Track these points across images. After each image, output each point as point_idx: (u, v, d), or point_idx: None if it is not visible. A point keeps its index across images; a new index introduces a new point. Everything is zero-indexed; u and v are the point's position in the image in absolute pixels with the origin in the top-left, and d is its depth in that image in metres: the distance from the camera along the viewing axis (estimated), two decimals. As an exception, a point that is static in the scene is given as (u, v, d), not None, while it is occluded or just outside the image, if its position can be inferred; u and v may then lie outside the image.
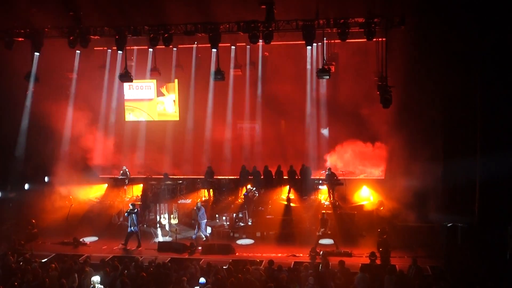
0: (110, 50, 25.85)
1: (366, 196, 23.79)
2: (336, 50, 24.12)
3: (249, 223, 22.47)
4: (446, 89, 20.23)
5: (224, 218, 22.65)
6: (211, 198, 24.38)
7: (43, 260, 18.29)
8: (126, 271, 15.83)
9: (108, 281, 15.02)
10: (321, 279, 15.03)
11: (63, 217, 22.29)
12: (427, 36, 20.43)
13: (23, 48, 21.76)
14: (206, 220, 21.56)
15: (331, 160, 24.59)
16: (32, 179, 25.32)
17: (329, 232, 19.93)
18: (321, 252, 18.87)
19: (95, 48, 25.44)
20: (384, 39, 20.10)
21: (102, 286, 14.35)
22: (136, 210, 20.89)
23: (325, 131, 25.84)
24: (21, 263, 17.41)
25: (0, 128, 23.68)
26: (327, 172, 23.31)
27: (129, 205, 21.25)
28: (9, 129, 24.24)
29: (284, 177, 24.44)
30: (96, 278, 14.38)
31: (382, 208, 22.19)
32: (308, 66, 24.97)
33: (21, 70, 22.04)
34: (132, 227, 20.84)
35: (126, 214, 21.11)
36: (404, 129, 21.82)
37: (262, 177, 24.56)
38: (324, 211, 21.20)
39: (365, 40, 19.85)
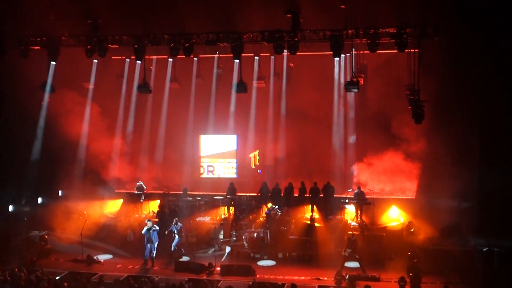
0: (128, 60, 26.08)
1: (395, 217, 23.50)
2: (365, 61, 23.99)
3: (271, 243, 22.32)
4: (483, 104, 19.97)
5: (244, 237, 22.55)
6: (231, 216, 24.32)
7: (57, 278, 18.36)
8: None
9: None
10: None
11: (76, 233, 22.36)
12: (462, 47, 20.22)
13: (39, 57, 22.07)
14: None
15: (359, 177, 24.38)
16: (46, 193, 25.55)
17: (357, 256, 19.68)
18: (347, 276, 18.60)
19: (113, 57, 25.70)
20: (416, 50, 19.95)
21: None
22: (155, 227, 20.97)
23: (352, 138, 25.60)
24: (32, 280, 17.48)
25: (14, 140, 23.95)
26: (356, 191, 23.10)
27: (146, 221, 21.30)
28: (23, 141, 24.54)
29: (306, 195, 24.26)
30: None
31: (412, 230, 21.85)
32: (336, 78, 24.85)
33: (36, 79, 22.35)
34: (149, 244, 20.89)
35: (144, 232, 21.12)
36: (437, 145, 21.54)
37: (282, 194, 24.41)
38: (351, 232, 21.01)
39: (396, 51, 19.73)
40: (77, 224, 23.01)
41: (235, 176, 26.92)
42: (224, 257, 21.75)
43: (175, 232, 21.48)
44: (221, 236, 23.01)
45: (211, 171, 27.47)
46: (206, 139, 27.54)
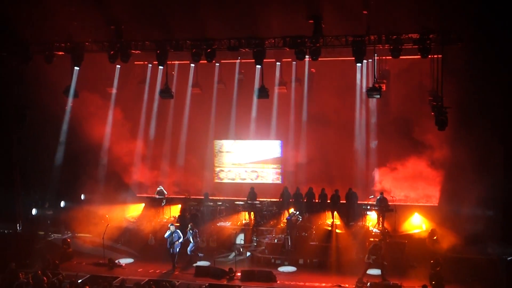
0: (150, 65, 26.28)
1: (418, 224, 23.32)
2: (388, 67, 23.87)
3: (291, 249, 22.25)
4: (506, 110, 19.74)
5: (264, 242, 22.53)
6: (252, 221, 24.32)
7: (79, 281, 18.53)
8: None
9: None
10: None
11: (98, 236, 22.56)
12: (485, 54, 20.01)
13: (62, 62, 22.34)
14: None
15: (380, 183, 24.23)
16: (68, 197, 25.82)
17: (385, 263, 19.52)
18: (368, 284, 18.51)
19: (135, 63, 25.92)
20: (439, 56, 19.79)
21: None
22: (177, 232, 21.11)
23: (374, 144, 25.45)
24: (54, 283, 17.67)
25: (38, 144, 24.26)
26: (378, 197, 22.96)
27: (169, 226, 21.43)
28: (47, 145, 24.84)
29: (328, 201, 24.17)
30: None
31: (435, 237, 21.62)
32: (357, 84, 24.77)
33: (60, 84, 22.62)
34: (171, 249, 21.03)
35: (166, 235, 21.24)
36: (460, 152, 21.33)
37: (304, 200, 24.37)
38: (373, 238, 20.89)
39: (419, 57, 19.60)
40: (99, 227, 23.17)
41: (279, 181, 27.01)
42: (240, 258, 21.79)
43: (190, 237, 21.54)
44: (242, 241, 22.99)
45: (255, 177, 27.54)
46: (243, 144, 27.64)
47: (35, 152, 24.32)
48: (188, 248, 21.60)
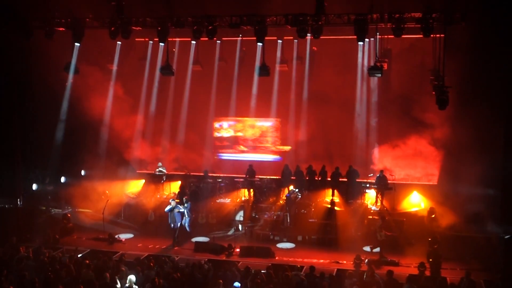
0: (151, 42, 26.20)
1: (416, 203, 23.44)
2: (389, 45, 23.78)
3: (290, 226, 22.40)
4: (508, 90, 19.69)
5: (263, 219, 22.68)
6: (251, 198, 24.46)
7: (79, 255, 18.71)
8: (161, 271, 15.99)
9: (142, 280, 15.22)
10: (365, 288, 14.90)
11: (99, 212, 22.71)
12: (489, 33, 19.91)
13: (63, 39, 22.26)
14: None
15: (380, 163, 24.29)
16: (69, 173, 25.91)
17: (389, 233, 19.83)
18: (366, 260, 18.66)
19: (136, 39, 25.82)
20: (442, 35, 19.72)
21: (136, 287, 14.58)
22: (178, 207, 21.24)
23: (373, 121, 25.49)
24: (55, 257, 17.80)
25: (39, 120, 24.27)
26: (378, 175, 23.05)
27: (170, 201, 21.55)
28: (48, 121, 24.85)
29: (329, 179, 24.27)
30: (132, 278, 14.63)
31: (433, 215, 21.75)
32: (359, 63, 24.72)
33: (60, 60, 22.57)
34: (172, 224, 21.18)
35: (167, 210, 21.38)
36: (461, 131, 21.35)
37: (306, 178, 24.48)
38: (372, 216, 21.08)
39: (421, 36, 19.52)
40: (99, 203, 23.34)
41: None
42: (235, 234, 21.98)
43: (186, 211, 21.61)
44: (241, 218, 23.14)
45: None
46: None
47: (36, 128, 24.33)
48: (186, 224, 21.70)
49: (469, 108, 20.93)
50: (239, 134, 27.74)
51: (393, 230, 20.23)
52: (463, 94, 20.82)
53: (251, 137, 27.60)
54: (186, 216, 21.61)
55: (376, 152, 24.77)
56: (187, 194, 23.88)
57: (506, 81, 19.75)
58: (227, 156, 27.81)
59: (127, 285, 14.62)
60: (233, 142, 27.89)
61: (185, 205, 21.67)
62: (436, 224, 21.28)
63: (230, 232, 22.13)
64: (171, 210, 21.17)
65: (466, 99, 20.99)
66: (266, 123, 27.29)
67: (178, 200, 22.80)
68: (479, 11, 19.52)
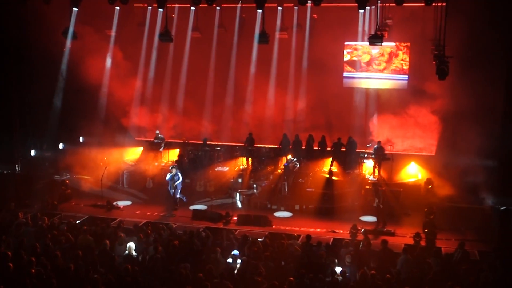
0: (150, 8, 25.92)
1: (414, 173, 23.55)
2: (391, 14, 23.57)
3: (288, 195, 22.54)
4: (510, 62, 19.58)
5: (255, 186, 22.83)
6: (250, 167, 24.55)
7: (77, 222, 18.85)
8: (159, 238, 16.15)
9: (141, 247, 15.38)
10: (361, 257, 15.05)
11: (97, 179, 22.81)
12: (491, 3, 19.75)
13: (61, 3, 22.02)
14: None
15: (378, 134, 24.33)
16: (67, 139, 25.93)
17: (381, 206, 20.03)
18: (362, 230, 18.85)
19: (135, 5, 25.57)
20: (444, 4, 19.51)
21: (136, 254, 14.74)
22: (178, 175, 21.34)
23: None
24: (53, 223, 17.95)
25: (37, 86, 24.17)
26: (376, 146, 23.10)
27: (171, 168, 21.66)
28: (45, 87, 24.74)
29: (328, 148, 24.33)
30: (132, 245, 14.78)
31: (430, 186, 21.90)
32: (359, 31, 24.52)
33: (58, 25, 22.36)
34: (173, 190, 21.38)
35: (168, 178, 21.50)
36: (460, 102, 21.32)
37: (304, 147, 24.53)
38: (369, 186, 21.20)
39: (423, 4, 19.34)
40: (98, 170, 23.39)
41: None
42: (237, 204, 22.18)
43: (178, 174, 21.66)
44: (239, 186, 23.26)
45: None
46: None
47: (34, 94, 24.22)
48: (179, 187, 21.81)
49: (468, 78, 20.86)
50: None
51: (388, 201, 20.30)
52: (463, 64, 20.73)
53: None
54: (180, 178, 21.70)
55: (375, 122, 24.74)
56: (185, 162, 23.94)
57: (506, 51, 19.63)
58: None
59: (126, 252, 14.78)
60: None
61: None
62: (432, 195, 21.44)
63: (228, 201, 22.26)
64: (172, 177, 21.25)
65: (466, 69, 20.89)
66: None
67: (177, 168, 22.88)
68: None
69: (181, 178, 21.55)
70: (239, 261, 14.50)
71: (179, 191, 21.60)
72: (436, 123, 23.29)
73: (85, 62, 24.42)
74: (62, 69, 24.87)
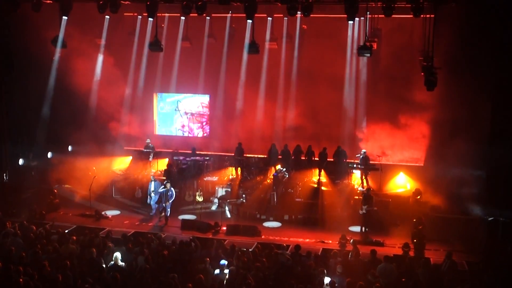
0: (140, 17, 25.96)
1: (402, 184, 23.67)
2: (379, 25, 23.77)
3: (277, 205, 22.56)
4: (497, 72, 19.82)
5: (244, 196, 22.92)
6: (239, 177, 24.57)
7: (65, 231, 18.76)
8: (147, 248, 16.10)
9: (129, 257, 15.32)
10: (350, 267, 15.09)
11: (85, 188, 22.73)
12: (479, 14, 19.97)
13: (50, 11, 22.01)
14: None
15: (367, 144, 24.45)
16: (55, 148, 25.82)
17: (375, 208, 20.18)
18: (351, 240, 18.87)
19: (124, 14, 25.60)
20: (432, 15, 19.72)
21: (123, 264, 14.68)
22: (171, 190, 21.48)
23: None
24: (41, 233, 17.84)
25: (25, 95, 24.10)
26: (361, 156, 23.22)
27: (165, 183, 21.73)
28: (34, 95, 24.67)
29: (315, 158, 24.42)
30: (118, 255, 14.71)
31: (419, 197, 21.98)
32: (349, 42, 24.68)
33: (48, 34, 22.34)
34: (164, 203, 21.41)
35: (161, 190, 21.56)
36: (448, 112, 21.54)
37: (292, 157, 24.60)
38: (358, 196, 21.30)
39: (411, 16, 19.51)
40: (86, 179, 23.29)
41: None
42: (214, 208, 22.49)
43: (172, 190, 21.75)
44: (227, 195, 23.25)
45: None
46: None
47: (22, 102, 24.16)
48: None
49: (457, 89, 21.13)
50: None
51: (374, 205, 20.42)
52: (451, 75, 20.96)
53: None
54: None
55: (363, 132, 24.86)
56: (174, 172, 23.94)
57: (494, 62, 19.87)
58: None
59: (112, 261, 14.72)
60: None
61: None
62: (421, 205, 21.52)
63: (213, 208, 22.32)
64: (166, 193, 21.35)
65: (454, 80, 21.13)
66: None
67: (165, 178, 22.92)
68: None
69: (174, 195, 21.57)
70: (226, 271, 14.48)
71: (170, 207, 21.55)
72: (425, 133, 23.43)
73: (74, 71, 24.43)
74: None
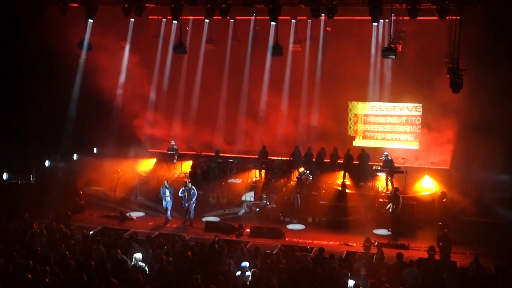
0: (165, 20, 26.14)
1: (428, 187, 23.41)
2: (404, 27, 23.59)
3: (301, 208, 22.49)
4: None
5: (265, 197, 22.88)
6: (262, 179, 24.56)
7: (90, 232, 18.95)
8: (171, 249, 16.16)
9: (151, 258, 15.38)
10: (374, 271, 14.96)
11: (110, 190, 22.94)
12: (505, 16, 19.72)
13: (76, 15, 22.27)
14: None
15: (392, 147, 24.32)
16: (81, 150, 26.10)
17: (400, 208, 20.05)
18: (376, 243, 18.77)
19: (149, 17, 25.79)
20: (458, 17, 19.52)
21: (144, 264, 14.73)
22: (193, 188, 21.58)
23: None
24: (67, 234, 18.03)
25: (52, 97, 24.41)
26: (384, 158, 23.05)
27: (187, 182, 21.87)
28: (60, 98, 24.96)
29: (340, 161, 24.32)
30: (138, 256, 14.77)
31: (444, 200, 21.76)
32: (373, 44, 24.56)
33: (74, 36, 22.61)
34: (186, 203, 21.48)
35: (181, 192, 21.66)
36: (474, 116, 21.29)
37: (314, 159, 24.52)
38: (382, 199, 21.16)
39: (436, 18, 19.34)
40: (111, 181, 23.53)
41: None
42: (242, 213, 22.27)
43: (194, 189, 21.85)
44: (252, 198, 23.26)
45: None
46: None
47: (48, 104, 24.46)
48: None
49: (483, 91, 20.83)
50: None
51: (401, 206, 20.26)
52: (477, 77, 20.69)
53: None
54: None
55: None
56: (199, 174, 24.01)
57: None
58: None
59: (133, 262, 14.78)
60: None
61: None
62: (447, 208, 21.30)
63: (240, 212, 22.31)
64: (188, 191, 21.48)
65: (480, 82, 20.85)
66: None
67: (190, 180, 23.00)
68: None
69: (196, 193, 21.66)
70: (248, 273, 14.45)
71: (193, 205, 21.65)
72: (450, 136, 23.22)
73: (99, 74, 24.64)
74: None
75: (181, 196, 21.64)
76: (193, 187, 21.67)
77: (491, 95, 20.73)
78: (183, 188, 21.65)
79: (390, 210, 20.11)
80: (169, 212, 22.06)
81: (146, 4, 21.58)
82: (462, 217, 20.50)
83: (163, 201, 22.07)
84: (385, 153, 23.26)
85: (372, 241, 18.99)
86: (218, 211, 22.78)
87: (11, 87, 23.14)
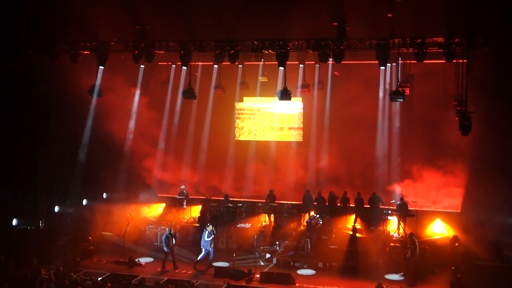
0: (174, 66, 26.51)
1: (439, 230, 23.14)
2: (412, 70, 23.76)
3: (311, 252, 22.26)
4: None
5: (284, 244, 22.61)
6: (272, 224, 24.39)
7: (99, 278, 18.79)
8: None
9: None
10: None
11: (119, 235, 22.85)
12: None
13: (87, 61, 22.64)
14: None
15: (403, 190, 24.12)
16: (90, 195, 26.13)
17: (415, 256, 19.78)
18: (388, 288, 18.47)
19: (159, 63, 26.18)
20: (465, 60, 19.65)
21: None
22: (170, 233, 21.51)
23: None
24: (75, 280, 17.91)
25: (62, 142, 24.60)
26: (399, 202, 22.88)
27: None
28: (71, 143, 25.16)
29: (351, 205, 24.16)
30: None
31: (457, 244, 21.46)
32: (381, 88, 24.70)
33: (85, 82, 22.93)
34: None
35: (164, 237, 21.56)
36: (484, 157, 21.19)
37: (327, 203, 24.39)
38: (393, 244, 20.90)
39: (443, 61, 19.48)
40: (120, 226, 23.45)
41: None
42: (269, 267, 21.85)
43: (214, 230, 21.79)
44: (262, 243, 23.05)
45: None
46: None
47: (59, 150, 24.64)
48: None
49: (492, 134, 20.80)
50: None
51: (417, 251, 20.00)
52: (487, 119, 20.68)
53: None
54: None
55: (398, 177, 24.58)
56: (208, 219, 23.90)
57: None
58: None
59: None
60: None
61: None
62: (459, 252, 20.98)
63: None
64: (211, 233, 21.46)
65: (489, 124, 20.85)
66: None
67: (199, 225, 22.89)
68: (502, 36, 19.45)
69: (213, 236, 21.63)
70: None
71: (212, 246, 21.54)
72: (460, 179, 23.04)
73: (109, 119, 24.91)
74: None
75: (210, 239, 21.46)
76: (213, 230, 21.61)
77: (500, 135, 20.68)
78: (210, 234, 21.51)
79: (409, 255, 19.80)
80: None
81: (156, 51, 21.93)
82: (475, 262, 20.17)
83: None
84: (401, 197, 23.08)
85: (384, 286, 18.65)
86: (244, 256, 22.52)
87: (22, 132, 23.42)
